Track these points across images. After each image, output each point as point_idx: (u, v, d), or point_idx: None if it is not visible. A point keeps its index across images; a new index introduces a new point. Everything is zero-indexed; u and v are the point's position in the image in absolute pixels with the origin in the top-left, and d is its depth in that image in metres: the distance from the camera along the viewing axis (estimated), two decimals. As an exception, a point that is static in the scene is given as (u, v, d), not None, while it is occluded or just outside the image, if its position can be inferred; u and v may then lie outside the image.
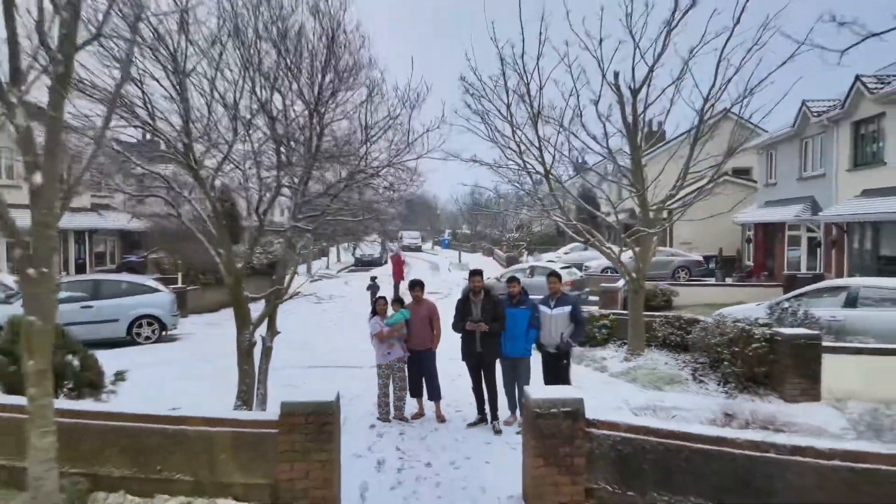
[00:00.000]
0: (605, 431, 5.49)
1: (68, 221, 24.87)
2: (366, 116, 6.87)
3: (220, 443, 5.51)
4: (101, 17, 4.60)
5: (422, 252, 62.74)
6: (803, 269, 21.87)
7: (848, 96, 18.41)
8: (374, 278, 22.20)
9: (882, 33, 3.94)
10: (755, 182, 28.72)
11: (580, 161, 16.44)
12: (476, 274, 8.35)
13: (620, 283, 17.91)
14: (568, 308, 8.23)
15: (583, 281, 21.76)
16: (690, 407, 7.80)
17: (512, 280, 8.65)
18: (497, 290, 11.77)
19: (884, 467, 4.52)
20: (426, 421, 8.38)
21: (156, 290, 14.26)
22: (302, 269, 26.11)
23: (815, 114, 20.61)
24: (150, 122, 6.71)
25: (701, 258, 27.97)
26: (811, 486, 4.74)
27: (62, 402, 6.27)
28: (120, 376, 6.82)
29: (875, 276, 16.45)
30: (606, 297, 17.71)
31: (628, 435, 5.41)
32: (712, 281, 25.40)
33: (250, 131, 6.63)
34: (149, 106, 6.59)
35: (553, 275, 8.74)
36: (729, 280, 24.71)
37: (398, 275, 24.13)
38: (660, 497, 5.25)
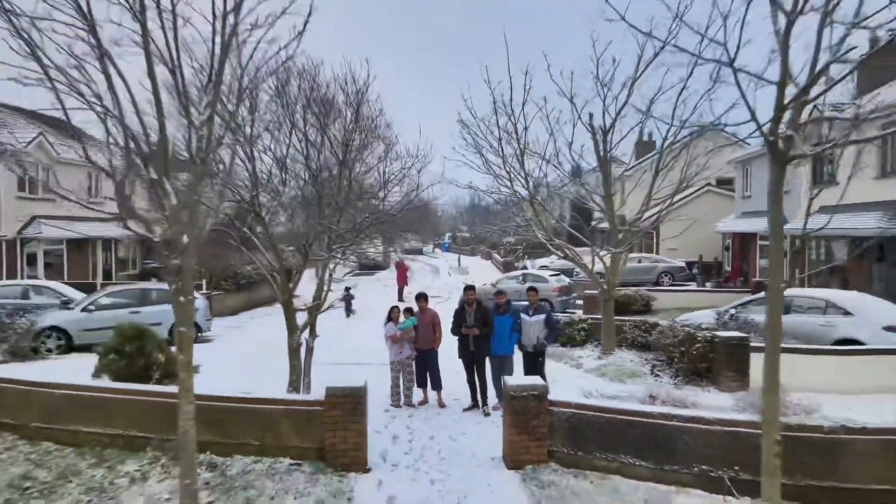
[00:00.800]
0: (561, 409, 7.55)
1: (97, 231, 26.94)
2: (384, 170, 8.92)
3: (282, 417, 7.57)
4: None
5: (422, 255, 64.62)
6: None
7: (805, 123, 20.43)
8: (348, 289, 23.59)
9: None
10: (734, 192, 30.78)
11: (573, 173, 18.44)
12: (469, 289, 10.40)
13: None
14: (543, 316, 10.26)
15: (570, 287, 23.75)
16: (638, 394, 9.85)
17: (499, 293, 10.69)
18: (490, 294, 13.87)
19: (744, 430, 6.59)
20: (430, 406, 10.41)
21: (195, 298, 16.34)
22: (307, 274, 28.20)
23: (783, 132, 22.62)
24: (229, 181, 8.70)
25: (683, 264, 30.05)
26: (700, 443, 6.81)
27: (156, 387, 8.36)
28: (195, 369, 8.87)
29: (826, 285, 18.57)
30: (589, 303, 19.70)
31: (577, 411, 7.47)
32: (693, 286, 27.45)
33: (294, 182, 8.67)
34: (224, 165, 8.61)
35: (531, 289, 10.77)
36: (708, 285, 26.73)
37: (402, 280, 26.18)
38: (599, 455, 7.31)
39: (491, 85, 13.96)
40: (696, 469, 6.79)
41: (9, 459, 7.24)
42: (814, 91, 5.27)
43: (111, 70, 5.31)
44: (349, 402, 7.46)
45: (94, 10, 5.12)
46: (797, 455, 6.39)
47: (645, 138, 45.39)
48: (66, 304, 16.31)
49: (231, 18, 5.45)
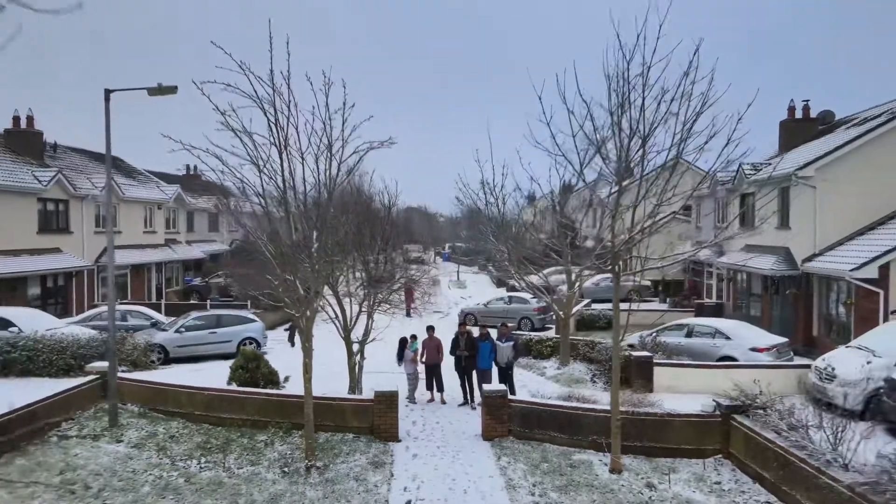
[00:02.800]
0: (516, 404, 12.59)
1: (150, 257, 32.02)
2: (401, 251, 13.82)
3: (348, 409, 12.60)
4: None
5: (425, 265, 69.41)
6: (714, 298, 28.95)
7: (735, 176, 25.52)
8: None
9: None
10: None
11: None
12: (462, 324, 15.44)
13: (577, 307, 25.18)
14: (511, 342, 15.27)
15: (547, 307, 28.71)
16: (576, 394, 14.84)
17: (503, 325, 15.73)
18: (482, 312, 18.81)
19: (631, 417, 11.59)
20: (435, 403, 15.40)
21: (254, 321, 21.41)
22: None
23: (721, 182, 27.67)
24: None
25: (649, 283, 35.03)
26: (591, 422, 11.82)
27: (265, 390, 13.37)
28: (287, 379, 13.92)
29: (747, 308, 23.59)
30: (559, 323, 24.65)
31: (525, 405, 12.51)
32: (656, 303, 32.43)
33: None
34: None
35: (504, 325, 15.79)
36: (665, 304, 31.71)
37: (409, 300, 31.15)
38: (538, 432, 12.32)
39: (480, 163, 19.03)
40: (590, 438, 11.81)
41: (189, 434, 12.25)
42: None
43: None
44: (388, 400, 12.49)
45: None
46: (643, 428, 11.43)
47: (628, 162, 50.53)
48: (154, 325, 21.32)
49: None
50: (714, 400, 11.72)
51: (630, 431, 11.34)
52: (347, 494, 9.77)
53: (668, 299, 32.93)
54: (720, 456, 11.22)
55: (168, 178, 40.55)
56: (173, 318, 21.74)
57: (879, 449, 8.48)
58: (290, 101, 9.98)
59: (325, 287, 13.05)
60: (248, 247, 48.30)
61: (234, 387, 13.27)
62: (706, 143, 10.27)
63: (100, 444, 11.42)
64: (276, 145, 10.11)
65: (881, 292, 16.94)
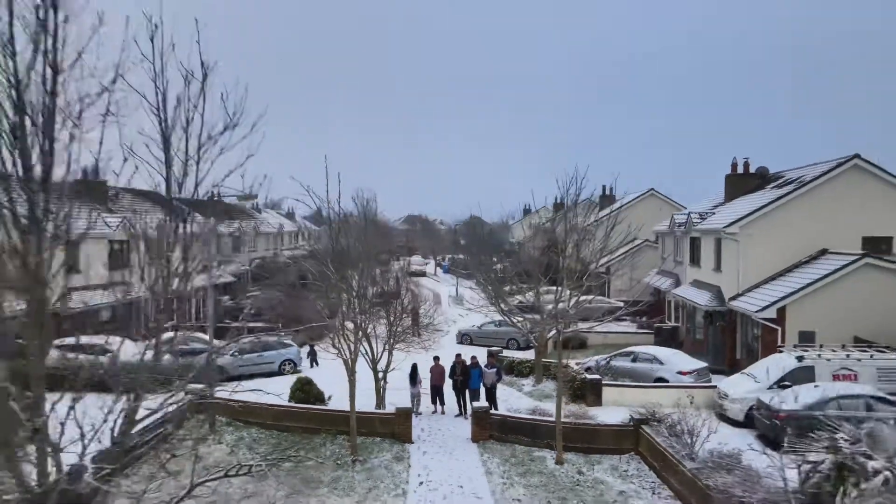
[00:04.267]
0: (495, 416, 17.84)
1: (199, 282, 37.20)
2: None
3: (377, 419, 17.84)
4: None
5: (426, 277, 74.55)
6: (673, 322, 34.14)
7: (686, 222, 30.75)
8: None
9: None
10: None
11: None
12: (458, 355, 20.65)
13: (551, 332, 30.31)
14: (494, 369, 20.47)
15: (532, 328, 33.83)
16: (541, 407, 20.02)
17: (490, 355, 20.94)
18: (475, 332, 24.07)
19: (562, 422, 16.84)
20: (437, 415, 20.61)
21: (291, 346, 26.63)
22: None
23: (678, 224, 32.92)
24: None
25: (622, 304, 40.18)
26: (545, 430, 17.04)
27: (315, 406, 18.60)
28: (330, 398, 19.15)
29: (694, 334, 28.80)
30: (539, 346, 29.80)
31: (502, 417, 17.76)
32: (626, 323, 37.52)
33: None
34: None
35: (491, 355, 20.99)
36: (634, 326, 36.82)
37: (416, 321, 36.31)
38: (510, 436, 17.53)
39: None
40: (545, 441, 17.00)
41: (265, 438, 17.46)
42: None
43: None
44: (405, 414, 17.72)
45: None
46: (581, 434, 16.64)
47: (607, 192, 55.77)
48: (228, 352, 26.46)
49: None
50: (630, 414, 16.93)
51: (572, 436, 16.55)
52: (381, 478, 14.99)
53: (638, 319, 38.10)
54: (632, 453, 16.43)
55: (188, 203, 45.77)
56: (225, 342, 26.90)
57: (711, 448, 13.67)
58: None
59: (358, 328, 18.24)
60: (270, 266, 53.22)
61: (293, 403, 18.47)
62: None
63: (209, 445, 16.64)
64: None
65: (779, 329, 22.15)
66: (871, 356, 18.41)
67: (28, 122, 6.34)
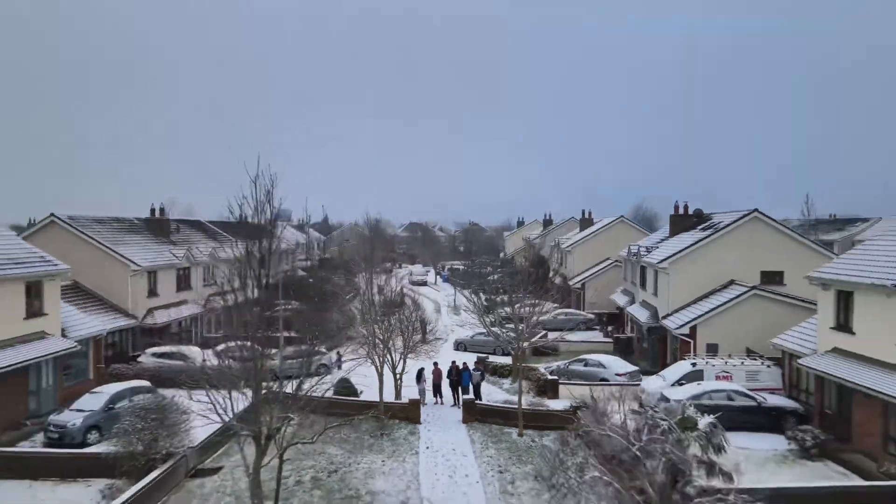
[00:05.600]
0: (479, 405, 25.61)
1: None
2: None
3: (396, 407, 25.58)
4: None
5: (427, 287, 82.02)
6: (628, 333, 41.81)
7: (637, 253, 38.47)
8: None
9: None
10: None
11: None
12: (454, 362, 28.38)
13: (533, 339, 37.95)
14: (479, 371, 28.22)
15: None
16: (514, 400, 27.69)
17: (478, 361, 28.70)
18: (470, 340, 31.85)
19: (525, 409, 24.57)
20: (438, 405, 28.28)
21: (324, 352, 34.24)
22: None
23: (632, 254, 40.64)
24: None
25: (593, 316, 47.92)
26: (514, 414, 24.77)
27: (352, 398, 26.34)
28: (361, 392, 26.78)
29: (639, 343, 36.60)
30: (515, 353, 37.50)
31: (484, 405, 25.54)
32: (595, 332, 45.22)
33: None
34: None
35: (479, 361, 28.66)
36: (601, 335, 44.49)
37: (423, 328, 43.94)
38: (489, 418, 25.26)
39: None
40: (513, 422, 24.68)
41: (320, 420, 25.19)
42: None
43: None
44: (416, 403, 25.50)
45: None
46: (538, 416, 24.38)
47: (586, 216, 63.72)
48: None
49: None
50: (571, 403, 24.63)
51: (530, 418, 24.23)
52: (401, 445, 22.68)
53: (606, 329, 45.83)
54: (571, 428, 24.11)
55: (220, 225, 53.55)
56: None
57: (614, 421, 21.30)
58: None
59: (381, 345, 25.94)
60: (291, 281, 61.17)
61: (336, 396, 26.13)
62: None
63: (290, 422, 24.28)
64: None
65: (691, 342, 29.86)
66: (742, 362, 26.11)
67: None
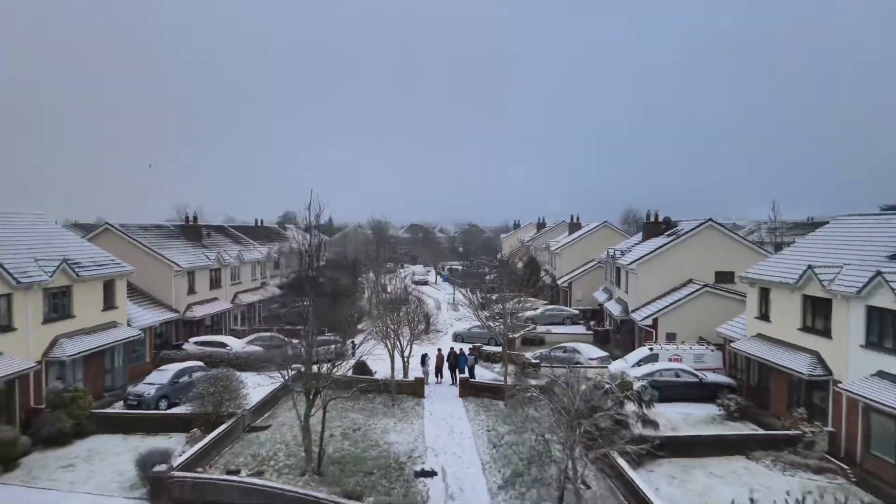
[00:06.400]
0: (472, 382, 31.05)
1: (258, 297, 50.27)
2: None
3: (405, 384, 31.00)
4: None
5: (428, 286, 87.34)
6: (606, 325, 47.18)
7: (613, 255, 43.86)
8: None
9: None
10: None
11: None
12: (452, 348, 33.80)
13: (522, 332, 43.29)
14: (473, 357, 33.64)
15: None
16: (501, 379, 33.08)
17: (474, 348, 34.15)
18: (466, 334, 37.25)
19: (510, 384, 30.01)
20: (438, 384, 33.68)
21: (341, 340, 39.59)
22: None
23: (610, 256, 46.04)
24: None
25: (577, 311, 53.30)
26: (500, 389, 30.18)
27: (369, 376, 31.79)
28: (375, 372, 32.16)
29: (617, 334, 42.07)
30: (504, 343, 42.89)
31: (475, 383, 30.98)
32: (580, 326, 50.58)
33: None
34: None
35: (474, 348, 34.06)
36: (584, 328, 49.84)
37: (427, 322, 49.35)
38: (481, 393, 30.64)
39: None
40: (500, 396, 30.06)
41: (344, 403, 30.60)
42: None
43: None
44: (421, 381, 30.94)
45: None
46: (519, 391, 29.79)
47: (575, 220, 69.17)
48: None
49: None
50: (546, 378, 30.00)
51: (514, 392, 29.56)
52: (409, 412, 28.07)
53: (588, 323, 51.21)
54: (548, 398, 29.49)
55: (241, 229, 58.88)
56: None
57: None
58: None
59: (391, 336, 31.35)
60: (303, 279, 66.30)
61: (355, 375, 31.55)
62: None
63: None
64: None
65: (654, 331, 35.24)
66: (690, 347, 31.49)
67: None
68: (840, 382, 21.34)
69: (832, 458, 20.86)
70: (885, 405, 18.60)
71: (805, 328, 24.18)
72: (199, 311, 40.47)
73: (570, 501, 17.99)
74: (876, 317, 20.32)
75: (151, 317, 34.85)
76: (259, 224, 71.10)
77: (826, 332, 22.80)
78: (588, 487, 19.66)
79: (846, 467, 20.22)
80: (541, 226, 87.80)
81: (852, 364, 21.22)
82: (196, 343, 37.09)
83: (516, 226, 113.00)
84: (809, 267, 23.42)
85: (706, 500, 18.55)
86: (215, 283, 44.70)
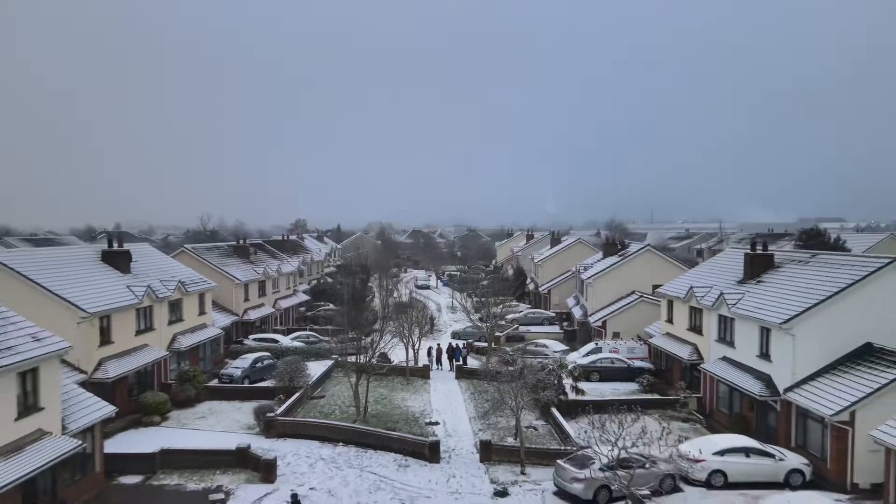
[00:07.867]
0: (466, 368, 42.40)
1: (293, 301, 61.66)
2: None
3: (416, 370, 42.34)
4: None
5: (429, 290, 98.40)
6: (574, 327, 58.46)
7: (578, 270, 55.19)
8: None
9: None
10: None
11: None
12: (450, 344, 45.15)
13: (507, 331, 54.54)
14: (466, 349, 44.98)
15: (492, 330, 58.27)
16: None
17: (468, 344, 45.52)
18: (462, 333, 48.59)
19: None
20: (440, 370, 44.95)
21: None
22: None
23: (577, 270, 57.33)
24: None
25: (554, 314, 64.58)
26: (487, 373, 41.55)
27: (390, 364, 43.19)
28: (392, 360, 43.51)
29: (581, 333, 53.54)
30: (489, 340, 54.21)
31: (469, 369, 42.35)
32: (556, 326, 61.82)
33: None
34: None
35: (467, 343, 45.35)
36: (558, 328, 61.00)
37: (431, 322, 60.66)
38: (472, 377, 41.95)
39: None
40: (488, 378, 41.33)
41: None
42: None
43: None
44: (426, 368, 42.34)
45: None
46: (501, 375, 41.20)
47: (555, 236, 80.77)
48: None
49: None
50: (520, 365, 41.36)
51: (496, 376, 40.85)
52: (418, 389, 39.40)
53: (562, 324, 62.53)
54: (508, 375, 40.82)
55: (272, 244, 70.08)
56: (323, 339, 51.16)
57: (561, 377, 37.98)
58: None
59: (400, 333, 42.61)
60: (323, 287, 79.62)
61: (379, 363, 42.83)
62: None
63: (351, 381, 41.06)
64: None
65: (603, 331, 46.54)
66: (625, 342, 42.77)
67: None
68: (704, 364, 32.69)
69: (696, 413, 32.21)
70: (724, 379, 29.90)
71: (691, 328, 35.53)
72: (252, 315, 51.77)
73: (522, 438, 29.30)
74: (722, 321, 31.65)
75: (222, 319, 46.17)
76: (285, 238, 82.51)
77: (700, 331, 34.14)
78: (536, 430, 30.97)
79: (702, 418, 31.57)
80: (530, 237, 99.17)
81: (711, 352, 32.58)
82: (254, 339, 48.39)
83: (509, 234, 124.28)
84: (691, 287, 34.76)
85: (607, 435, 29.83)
86: (262, 291, 55.97)
